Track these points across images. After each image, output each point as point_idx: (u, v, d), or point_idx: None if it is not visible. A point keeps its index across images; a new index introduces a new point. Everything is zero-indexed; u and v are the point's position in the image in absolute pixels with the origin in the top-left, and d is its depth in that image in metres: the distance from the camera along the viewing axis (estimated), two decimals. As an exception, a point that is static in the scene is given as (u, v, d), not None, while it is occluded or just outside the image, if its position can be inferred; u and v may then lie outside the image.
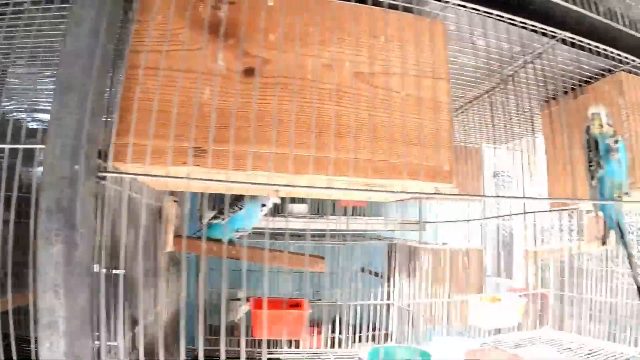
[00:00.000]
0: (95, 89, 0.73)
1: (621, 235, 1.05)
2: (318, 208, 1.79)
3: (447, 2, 0.89)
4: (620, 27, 1.10)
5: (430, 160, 0.85)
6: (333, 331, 1.62)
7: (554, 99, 1.31)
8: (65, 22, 0.86)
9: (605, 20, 1.07)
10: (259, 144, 0.77)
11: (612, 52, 1.11)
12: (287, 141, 0.78)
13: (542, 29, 0.99)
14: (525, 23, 0.96)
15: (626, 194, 1.03)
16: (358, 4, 0.87)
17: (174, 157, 0.75)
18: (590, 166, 1.05)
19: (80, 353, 0.65)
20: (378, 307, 1.71)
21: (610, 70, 1.19)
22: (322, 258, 1.12)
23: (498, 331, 1.47)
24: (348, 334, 1.59)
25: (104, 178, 0.76)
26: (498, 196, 1.42)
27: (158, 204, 1.12)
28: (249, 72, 0.82)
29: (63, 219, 0.66)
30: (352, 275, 1.78)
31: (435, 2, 0.90)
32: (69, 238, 0.66)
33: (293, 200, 1.71)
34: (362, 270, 1.89)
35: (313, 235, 1.64)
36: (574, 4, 1.03)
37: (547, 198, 1.21)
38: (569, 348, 1.46)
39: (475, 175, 1.59)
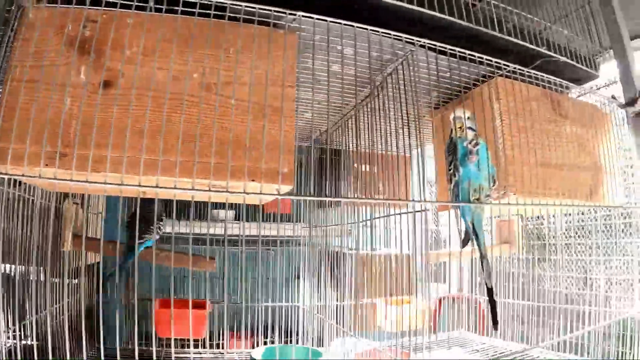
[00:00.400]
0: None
1: (476, 237, 1.08)
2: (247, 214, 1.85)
3: (294, 14, 0.96)
4: (495, 33, 1.13)
5: (269, 163, 0.92)
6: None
7: (439, 106, 1.35)
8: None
9: (477, 27, 1.11)
10: (101, 148, 0.86)
11: (480, 58, 1.15)
12: (135, 145, 0.87)
13: (397, 36, 1.04)
14: (376, 31, 1.01)
15: (487, 196, 1.06)
16: (208, 19, 0.95)
17: (29, 159, 0.85)
18: (449, 170, 1.09)
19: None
20: (289, 310, 1.77)
21: (489, 76, 1.23)
22: (213, 259, 1.19)
23: (412, 333, 1.50)
24: (248, 336, 1.64)
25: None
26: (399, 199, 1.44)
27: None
28: (106, 84, 0.92)
29: None
30: (276, 279, 1.84)
31: (285, 15, 0.96)
32: None
33: (218, 206, 1.79)
34: (299, 277, 1.94)
35: (247, 242, 1.71)
36: (443, 12, 1.07)
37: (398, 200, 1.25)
38: (477, 350, 1.47)
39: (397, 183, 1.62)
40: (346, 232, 1.51)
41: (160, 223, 1.34)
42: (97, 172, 0.87)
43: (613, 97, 1.39)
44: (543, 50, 1.22)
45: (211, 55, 0.95)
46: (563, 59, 1.24)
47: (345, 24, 0.99)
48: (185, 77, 0.93)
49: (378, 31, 1.02)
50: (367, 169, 1.35)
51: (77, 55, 0.92)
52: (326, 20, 0.99)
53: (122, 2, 0.94)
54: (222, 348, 1.57)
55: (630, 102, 1.32)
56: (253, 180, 0.91)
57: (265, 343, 1.62)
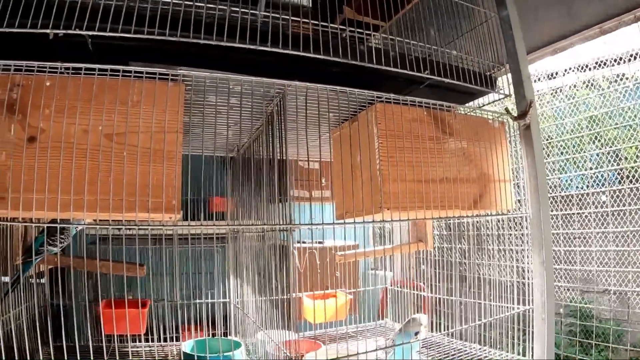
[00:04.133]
0: None
1: None
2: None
3: (175, 71, 1.24)
4: (376, 66, 1.36)
5: (160, 197, 1.23)
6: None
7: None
8: None
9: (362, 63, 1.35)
10: (33, 191, 1.19)
11: (358, 90, 1.38)
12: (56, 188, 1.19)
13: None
14: (249, 80, 1.29)
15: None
16: (111, 77, 1.24)
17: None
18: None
19: None
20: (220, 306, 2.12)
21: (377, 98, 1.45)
22: (143, 265, 1.53)
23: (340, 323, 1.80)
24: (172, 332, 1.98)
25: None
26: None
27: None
28: (31, 139, 1.24)
29: None
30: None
31: (168, 72, 1.25)
32: None
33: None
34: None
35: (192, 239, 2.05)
36: (318, 52, 1.32)
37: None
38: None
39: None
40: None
41: (62, 237, 1.63)
42: (27, 211, 1.21)
43: (507, 110, 1.57)
44: (426, 75, 1.43)
45: (116, 109, 1.25)
46: (448, 80, 1.46)
47: (221, 75, 1.27)
48: (94, 130, 1.24)
49: (251, 80, 1.28)
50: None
51: (7, 115, 1.24)
52: (204, 72, 1.26)
53: (38, 67, 1.24)
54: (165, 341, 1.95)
55: (521, 115, 1.51)
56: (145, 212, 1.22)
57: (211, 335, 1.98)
